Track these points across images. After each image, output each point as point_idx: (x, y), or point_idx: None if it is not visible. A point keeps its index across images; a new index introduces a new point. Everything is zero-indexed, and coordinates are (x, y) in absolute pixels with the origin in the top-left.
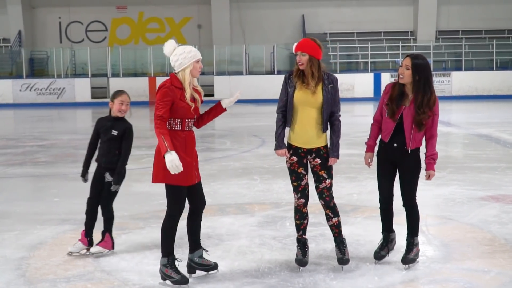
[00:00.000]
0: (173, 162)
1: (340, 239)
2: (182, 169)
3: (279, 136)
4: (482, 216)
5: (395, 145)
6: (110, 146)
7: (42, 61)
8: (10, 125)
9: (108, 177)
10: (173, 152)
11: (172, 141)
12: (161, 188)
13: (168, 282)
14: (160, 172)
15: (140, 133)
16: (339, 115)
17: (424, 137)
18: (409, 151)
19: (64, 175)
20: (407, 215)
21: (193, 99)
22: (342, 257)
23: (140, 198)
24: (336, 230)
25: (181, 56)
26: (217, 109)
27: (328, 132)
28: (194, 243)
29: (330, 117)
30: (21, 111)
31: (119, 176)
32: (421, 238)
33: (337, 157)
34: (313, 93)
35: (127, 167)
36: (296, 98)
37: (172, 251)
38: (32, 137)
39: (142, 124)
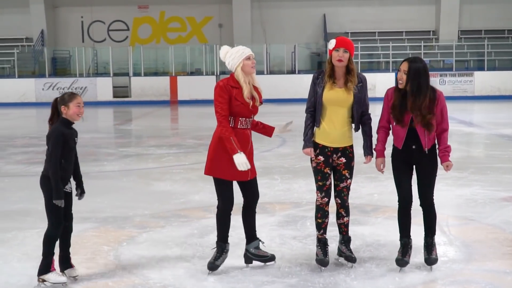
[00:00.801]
0: (241, 163)
1: (348, 237)
2: (249, 166)
3: (307, 135)
4: (504, 217)
5: (414, 147)
6: (73, 156)
7: (64, 60)
8: (33, 123)
9: (70, 187)
10: (242, 154)
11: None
12: (182, 187)
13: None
14: (208, 165)
15: (161, 132)
16: (370, 113)
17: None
18: (427, 152)
19: (86, 173)
20: (425, 215)
21: (252, 97)
22: (351, 255)
23: (161, 196)
24: (345, 228)
25: (231, 58)
26: (267, 131)
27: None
28: (249, 234)
29: (361, 117)
30: (44, 110)
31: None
32: (442, 238)
33: (372, 155)
34: (345, 92)
35: (151, 165)
36: (326, 97)
37: (222, 239)
38: None
39: (163, 123)
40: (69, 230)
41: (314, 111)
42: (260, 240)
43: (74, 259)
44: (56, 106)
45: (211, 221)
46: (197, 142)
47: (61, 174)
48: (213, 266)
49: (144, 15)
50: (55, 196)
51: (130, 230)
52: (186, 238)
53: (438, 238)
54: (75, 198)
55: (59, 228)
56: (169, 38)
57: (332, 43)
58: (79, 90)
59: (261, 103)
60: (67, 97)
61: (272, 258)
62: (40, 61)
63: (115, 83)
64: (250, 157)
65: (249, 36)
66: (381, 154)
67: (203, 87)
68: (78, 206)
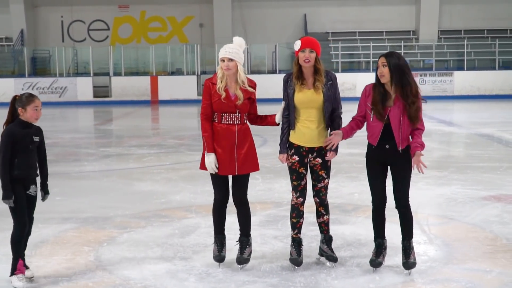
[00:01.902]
0: (210, 164)
1: (329, 236)
2: (216, 170)
3: (282, 140)
4: (484, 216)
5: (387, 146)
6: (34, 155)
7: (44, 60)
8: None
9: (33, 190)
10: (211, 155)
11: (212, 138)
12: (162, 187)
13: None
14: (201, 160)
15: (142, 132)
16: (341, 112)
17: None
18: (401, 151)
19: (66, 174)
20: (401, 218)
21: (236, 96)
22: (333, 255)
23: (142, 196)
24: (326, 227)
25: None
26: (270, 120)
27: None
28: (240, 229)
29: (331, 114)
30: None
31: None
32: (422, 237)
33: (336, 152)
34: (315, 92)
35: (131, 165)
36: (297, 99)
37: (219, 231)
38: None
39: (144, 123)
40: (28, 233)
41: (289, 115)
42: (241, 239)
43: (54, 260)
44: (14, 104)
45: (192, 221)
46: (178, 142)
47: (17, 173)
48: (220, 258)
49: (125, 15)
50: (3, 196)
51: (110, 230)
52: (167, 238)
53: (418, 237)
54: (39, 201)
55: (23, 229)
56: (150, 37)
57: (297, 44)
58: (59, 90)
59: (252, 100)
60: (25, 99)
61: (242, 260)
62: (19, 61)
63: (95, 83)
64: (239, 152)
65: (230, 36)
66: (344, 132)
67: (184, 87)
68: (58, 207)
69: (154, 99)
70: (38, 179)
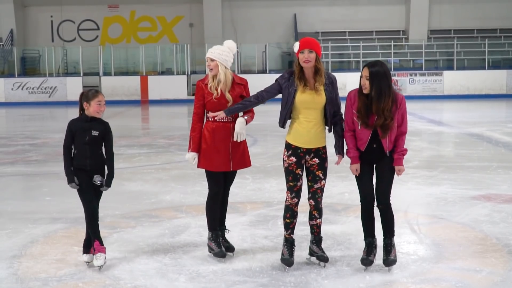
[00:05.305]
0: (190, 160)
1: (319, 237)
2: (195, 166)
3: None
4: (474, 215)
5: (374, 145)
6: (93, 148)
7: (34, 60)
8: (2, 123)
9: (98, 180)
10: (191, 154)
11: (199, 139)
12: (153, 187)
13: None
14: (199, 158)
15: (132, 132)
16: (342, 114)
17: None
18: (388, 154)
19: (56, 173)
20: (382, 215)
21: (224, 97)
22: (324, 255)
23: (132, 197)
24: (318, 230)
25: None
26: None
27: (326, 133)
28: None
29: (333, 117)
30: (13, 110)
31: (112, 178)
32: (412, 237)
33: (343, 155)
34: (317, 93)
35: (121, 165)
36: (299, 99)
37: (214, 227)
38: (24, 136)
39: (134, 123)
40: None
41: (282, 112)
42: (225, 228)
43: (44, 260)
44: (82, 100)
45: (182, 221)
46: (168, 142)
47: (75, 163)
48: (223, 254)
49: (115, 15)
50: (67, 180)
51: (100, 230)
52: (157, 238)
53: (408, 236)
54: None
55: (88, 210)
56: (140, 37)
57: (296, 46)
58: (48, 89)
59: (246, 94)
60: (90, 95)
61: (229, 249)
62: (9, 61)
63: (85, 82)
64: (235, 149)
65: (220, 35)
66: (356, 160)
67: (174, 86)
68: (48, 207)
69: (144, 99)
70: None
